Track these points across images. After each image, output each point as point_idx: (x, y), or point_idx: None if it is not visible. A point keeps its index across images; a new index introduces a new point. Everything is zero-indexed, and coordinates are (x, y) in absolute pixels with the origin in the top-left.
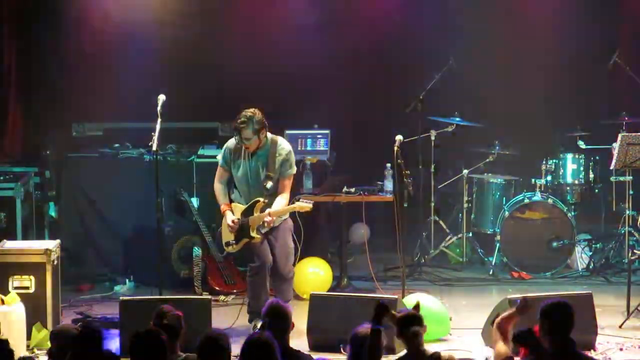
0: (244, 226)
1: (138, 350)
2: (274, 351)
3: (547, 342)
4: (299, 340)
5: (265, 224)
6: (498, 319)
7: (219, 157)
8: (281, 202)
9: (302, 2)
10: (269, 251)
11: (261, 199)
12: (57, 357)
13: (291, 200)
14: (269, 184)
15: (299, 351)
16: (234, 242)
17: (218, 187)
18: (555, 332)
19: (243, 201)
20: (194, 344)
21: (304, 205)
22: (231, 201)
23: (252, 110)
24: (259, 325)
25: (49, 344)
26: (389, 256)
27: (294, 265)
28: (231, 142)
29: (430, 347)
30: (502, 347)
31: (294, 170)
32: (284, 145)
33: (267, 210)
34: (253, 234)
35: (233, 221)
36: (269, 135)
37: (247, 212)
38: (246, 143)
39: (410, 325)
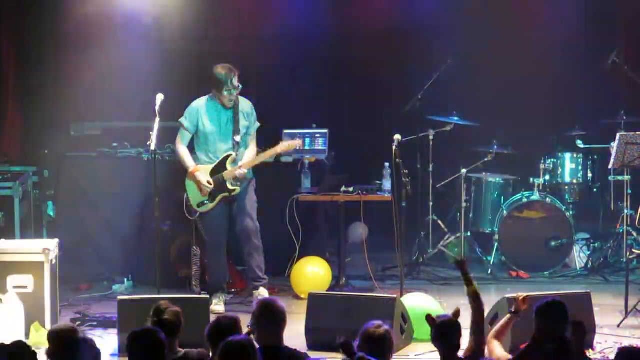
0: (219, 182)
1: (136, 349)
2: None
3: (542, 341)
4: (297, 340)
5: (239, 177)
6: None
7: (184, 120)
8: (251, 154)
9: (301, 2)
10: (223, 228)
11: (232, 153)
12: (55, 357)
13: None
14: (238, 138)
15: (295, 350)
16: (208, 201)
17: (183, 150)
18: (549, 331)
19: (209, 160)
20: (193, 343)
21: (288, 143)
22: None
23: (227, 64)
24: (215, 306)
25: (47, 344)
26: (388, 255)
27: (292, 264)
28: (199, 102)
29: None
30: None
31: (258, 124)
32: (245, 100)
33: (240, 163)
34: (231, 187)
35: (208, 181)
36: None
37: (219, 169)
38: (234, 93)
39: (448, 332)
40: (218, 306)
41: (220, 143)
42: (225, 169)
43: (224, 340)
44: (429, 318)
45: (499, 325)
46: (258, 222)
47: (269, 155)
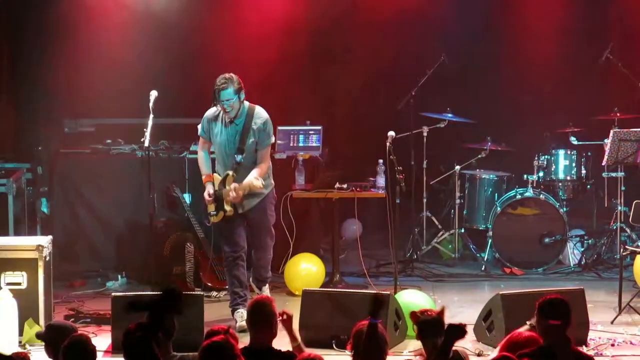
0: (219, 198)
1: (130, 345)
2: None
3: (543, 338)
4: None
5: (233, 201)
6: None
7: (199, 127)
8: (252, 175)
9: None
10: (241, 237)
11: (230, 173)
12: (53, 353)
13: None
14: (239, 157)
15: (287, 351)
16: (214, 213)
17: (200, 156)
18: (551, 328)
19: (222, 172)
20: (188, 340)
21: (254, 184)
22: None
23: (229, 74)
24: (239, 317)
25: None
26: (381, 252)
27: (286, 261)
28: (210, 112)
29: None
30: None
31: (272, 140)
32: (261, 114)
33: (232, 185)
34: (227, 207)
35: (208, 194)
36: (247, 103)
37: (222, 185)
38: (226, 104)
39: (430, 330)
40: (241, 322)
41: (225, 157)
42: (225, 187)
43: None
44: (412, 315)
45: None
46: (271, 239)
47: (246, 186)
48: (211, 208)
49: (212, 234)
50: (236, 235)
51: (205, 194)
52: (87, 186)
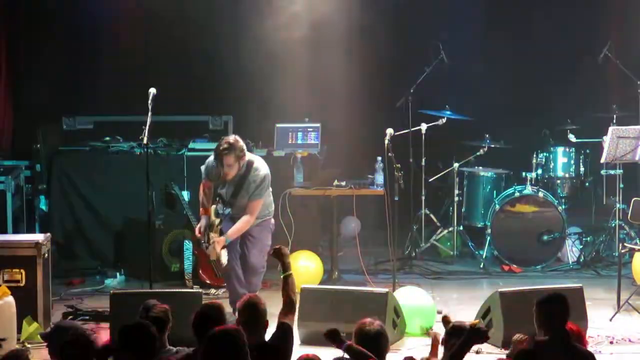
0: (207, 235)
1: (127, 342)
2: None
3: (542, 333)
4: None
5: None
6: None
7: (203, 169)
8: (236, 226)
9: None
10: (232, 257)
11: (216, 220)
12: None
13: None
14: (227, 210)
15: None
16: (204, 242)
17: (200, 195)
18: (550, 324)
19: (219, 208)
20: (186, 338)
21: (211, 249)
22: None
23: (233, 137)
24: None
25: (39, 338)
26: (380, 250)
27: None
28: (212, 160)
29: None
30: None
31: (263, 193)
32: (259, 170)
33: (213, 239)
34: (208, 251)
35: (199, 230)
36: (248, 156)
37: (211, 227)
38: (227, 170)
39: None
40: None
41: (221, 200)
42: (211, 230)
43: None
44: (444, 319)
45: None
46: (262, 265)
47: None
48: (204, 238)
49: None
50: (229, 257)
51: (197, 230)
52: (86, 184)
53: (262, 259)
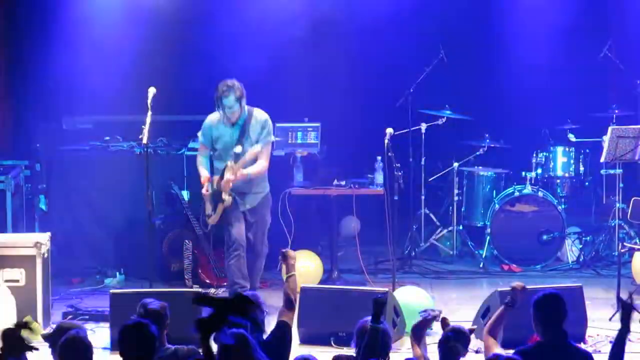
0: (216, 192)
1: (127, 342)
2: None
3: (539, 333)
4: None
5: (231, 182)
6: (488, 328)
7: (200, 136)
8: (254, 168)
9: None
10: (242, 230)
11: (229, 163)
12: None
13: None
14: (239, 148)
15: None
16: (212, 212)
17: (200, 161)
18: (547, 324)
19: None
20: (185, 336)
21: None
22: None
23: (230, 80)
24: None
25: (39, 337)
26: (380, 249)
27: None
28: (211, 118)
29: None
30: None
31: (271, 138)
32: (261, 114)
33: (229, 164)
34: (224, 196)
35: (206, 189)
36: (247, 106)
37: (221, 179)
38: (229, 112)
39: (454, 340)
40: None
41: (225, 155)
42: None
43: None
44: (443, 321)
45: (493, 319)
46: (265, 246)
47: (244, 176)
48: (208, 209)
49: (211, 231)
50: (238, 229)
51: (203, 190)
52: (86, 183)
53: (266, 239)
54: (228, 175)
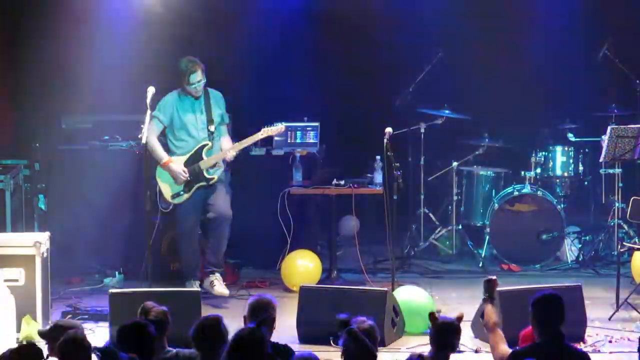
0: (195, 172)
1: (126, 342)
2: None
3: (537, 333)
4: (288, 333)
5: (228, 160)
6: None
7: (158, 114)
8: (230, 144)
9: None
10: (197, 217)
11: (208, 142)
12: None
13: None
14: (212, 127)
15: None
16: (183, 191)
17: (155, 142)
18: (545, 324)
19: (182, 152)
20: (185, 337)
21: (270, 129)
22: None
23: (192, 57)
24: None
25: (38, 337)
26: (379, 248)
27: (283, 257)
28: (172, 95)
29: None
30: (503, 349)
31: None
32: (215, 91)
33: (230, 146)
34: (208, 175)
35: (183, 170)
36: None
37: (193, 159)
38: (198, 86)
39: (447, 333)
40: (220, 287)
41: (195, 133)
42: (202, 158)
43: (209, 340)
44: (431, 315)
45: (493, 316)
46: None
47: (252, 140)
48: (178, 188)
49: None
50: (198, 213)
51: (180, 170)
52: (85, 182)
53: (229, 206)
54: (231, 152)
